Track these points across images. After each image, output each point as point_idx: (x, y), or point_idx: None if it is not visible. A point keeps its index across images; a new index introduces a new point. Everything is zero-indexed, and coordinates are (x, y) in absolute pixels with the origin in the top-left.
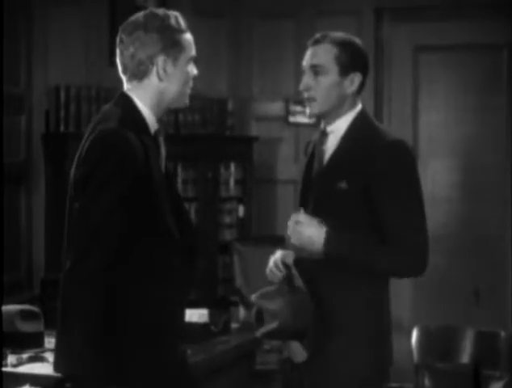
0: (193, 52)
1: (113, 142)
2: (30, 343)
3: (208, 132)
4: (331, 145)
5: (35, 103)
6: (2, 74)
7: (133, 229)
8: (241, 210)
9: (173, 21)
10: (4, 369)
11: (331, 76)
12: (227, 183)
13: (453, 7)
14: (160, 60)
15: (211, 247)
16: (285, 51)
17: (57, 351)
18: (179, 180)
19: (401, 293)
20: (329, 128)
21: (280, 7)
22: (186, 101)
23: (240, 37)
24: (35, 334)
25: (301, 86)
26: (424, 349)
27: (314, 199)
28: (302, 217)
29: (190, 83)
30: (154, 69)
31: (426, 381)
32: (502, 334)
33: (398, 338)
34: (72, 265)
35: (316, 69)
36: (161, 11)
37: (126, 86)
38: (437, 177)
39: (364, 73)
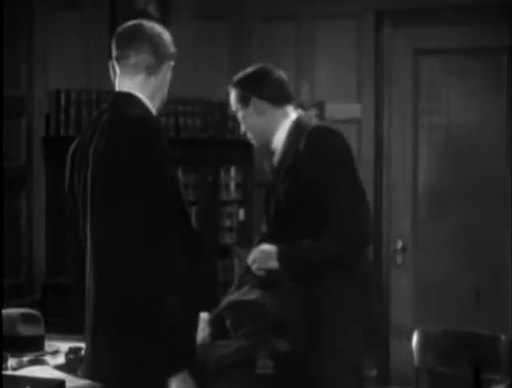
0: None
1: (148, 126)
2: (30, 347)
3: (209, 136)
4: (277, 157)
5: (35, 106)
6: (2, 78)
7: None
8: (241, 214)
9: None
10: (4, 372)
11: (241, 113)
12: (227, 186)
13: (453, 11)
14: (169, 63)
15: (211, 251)
16: (285, 55)
17: (101, 355)
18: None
19: (402, 296)
20: (273, 146)
21: (280, 11)
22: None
23: (240, 41)
24: (35, 337)
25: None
26: (425, 353)
27: (273, 207)
28: (256, 250)
29: None
30: (163, 70)
31: (427, 385)
32: (503, 337)
33: (398, 341)
34: (123, 262)
35: (236, 114)
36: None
37: (125, 84)
38: (437, 180)
39: (261, 94)
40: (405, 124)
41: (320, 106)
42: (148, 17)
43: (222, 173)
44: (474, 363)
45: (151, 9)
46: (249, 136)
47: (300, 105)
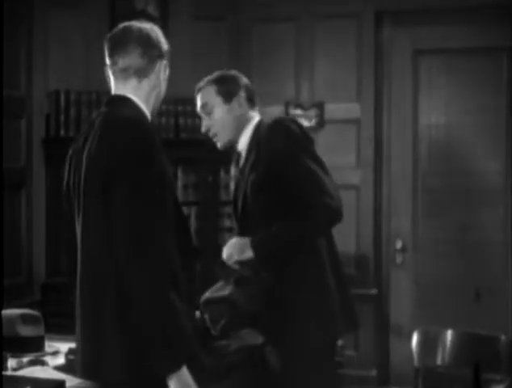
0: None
1: (139, 125)
2: (30, 347)
3: (209, 137)
4: (243, 157)
5: (35, 107)
6: (2, 78)
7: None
8: None
9: (160, 32)
10: (4, 372)
11: (219, 108)
12: (227, 186)
13: (453, 11)
14: (163, 64)
15: (211, 251)
16: (285, 54)
17: (98, 355)
18: (180, 184)
19: (401, 296)
20: (239, 147)
21: (280, 11)
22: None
23: (240, 41)
24: (35, 338)
25: (203, 130)
26: (424, 353)
27: (239, 198)
28: (228, 244)
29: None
30: (155, 70)
31: (427, 385)
32: (503, 337)
33: (398, 341)
34: (131, 266)
35: (205, 110)
36: (150, 24)
37: (119, 87)
38: (437, 180)
39: (243, 91)
40: (405, 124)
41: (319, 106)
42: (148, 17)
43: (222, 173)
44: (474, 363)
45: (151, 9)
46: (216, 135)
47: (299, 105)
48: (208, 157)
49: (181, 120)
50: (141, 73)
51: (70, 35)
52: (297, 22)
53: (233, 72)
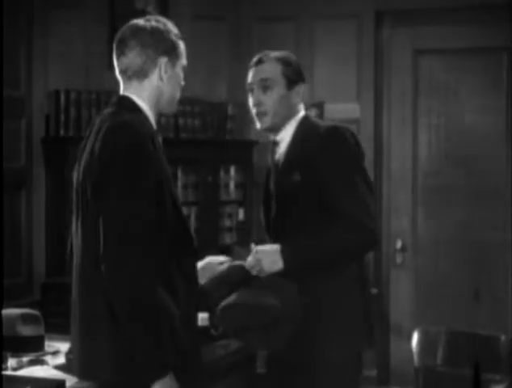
0: (185, 60)
1: (127, 131)
2: (30, 347)
3: (208, 137)
4: (282, 151)
5: (35, 107)
6: (2, 78)
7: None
8: (241, 214)
9: (171, 27)
10: (4, 372)
11: (280, 90)
12: (227, 186)
13: (453, 11)
14: (163, 61)
15: (211, 251)
16: None
17: (96, 356)
18: (179, 184)
19: (402, 296)
20: (278, 137)
21: (280, 11)
22: (176, 107)
23: (239, 41)
24: (35, 337)
25: (251, 103)
26: (424, 352)
27: (275, 199)
28: (257, 250)
29: (180, 91)
30: (156, 69)
31: (427, 385)
32: (503, 337)
33: (398, 341)
34: (114, 266)
35: (265, 84)
36: (160, 17)
37: (123, 87)
38: (437, 180)
39: (304, 82)
40: (405, 124)
41: (319, 106)
42: None
43: (222, 173)
44: (474, 363)
45: (150, 9)
46: (264, 114)
47: None
48: (208, 157)
49: (181, 120)
50: (140, 73)
51: (70, 35)
52: (297, 21)
53: (292, 55)
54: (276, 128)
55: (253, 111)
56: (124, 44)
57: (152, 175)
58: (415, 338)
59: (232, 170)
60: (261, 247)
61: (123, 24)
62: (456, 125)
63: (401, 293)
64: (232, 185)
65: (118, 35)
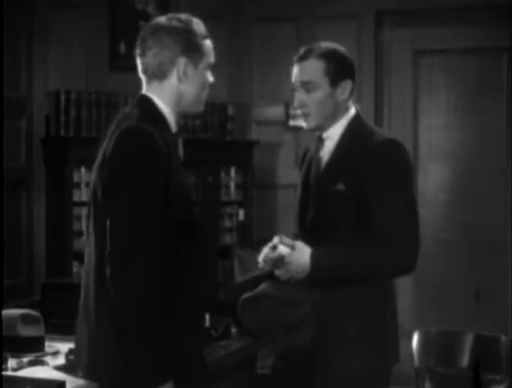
0: (212, 58)
1: (137, 138)
2: (30, 348)
3: (209, 137)
4: (328, 150)
5: (35, 107)
6: (2, 79)
7: (167, 231)
8: (241, 214)
9: (195, 26)
10: (4, 372)
11: (323, 89)
12: (227, 187)
13: (453, 12)
14: (181, 62)
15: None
16: (285, 55)
17: (101, 357)
18: None
19: (402, 296)
20: (325, 135)
21: (280, 11)
22: (202, 107)
23: (239, 41)
24: (35, 338)
25: (295, 104)
26: (425, 353)
27: (314, 202)
28: (283, 249)
29: (207, 89)
30: (175, 70)
31: (427, 385)
32: (503, 338)
33: (399, 341)
34: (118, 267)
35: (307, 86)
36: (184, 16)
37: (145, 87)
38: (437, 180)
39: (353, 79)
40: (405, 125)
41: None
42: (149, 17)
43: (222, 174)
44: (474, 363)
45: (151, 9)
46: (309, 115)
47: None
48: (208, 157)
49: (181, 121)
50: (158, 74)
51: (70, 35)
52: (297, 22)
53: (341, 49)
54: (323, 127)
55: (298, 110)
56: (144, 43)
57: (160, 180)
58: (415, 339)
59: (233, 171)
60: (295, 244)
61: (123, 24)
62: (456, 125)
63: (401, 293)
64: (232, 186)
65: (140, 34)
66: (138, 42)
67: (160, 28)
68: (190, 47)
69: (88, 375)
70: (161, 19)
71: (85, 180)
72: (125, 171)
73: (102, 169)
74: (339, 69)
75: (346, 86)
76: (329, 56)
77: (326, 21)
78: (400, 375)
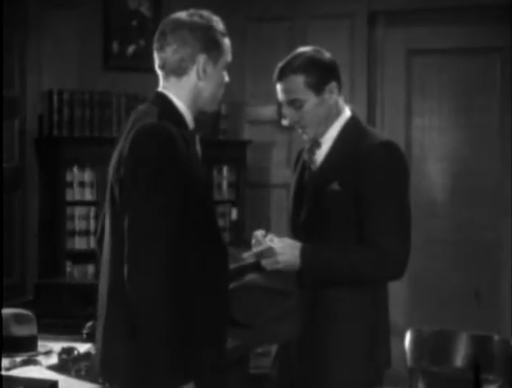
0: (230, 57)
1: (156, 136)
2: (23, 347)
3: (201, 136)
4: (323, 150)
5: (28, 107)
6: (2, 79)
7: (187, 230)
8: (234, 213)
9: (216, 23)
10: None
11: (310, 102)
12: (220, 186)
13: (446, 11)
14: (201, 59)
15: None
16: (278, 54)
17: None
18: None
19: (395, 296)
20: (319, 137)
21: (273, 11)
22: (216, 106)
23: (233, 41)
24: (28, 337)
25: (289, 121)
26: (418, 353)
27: (308, 202)
28: (275, 242)
29: (223, 89)
30: (195, 67)
31: (420, 385)
32: (496, 337)
33: (392, 341)
34: (135, 268)
35: (295, 104)
36: (205, 12)
37: (162, 84)
38: (430, 180)
39: (337, 78)
40: (398, 124)
41: None
42: (142, 17)
43: (215, 173)
44: (474, 363)
45: (144, 9)
46: (305, 128)
47: None
48: (201, 156)
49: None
50: (178, 70)
51: (64, 34)
52: (290, 22)
53: (316, 52)
54: (323, 134)
55: (293, 125)
56: (164, 38)
57: (180, 180)
58: (408, 338)
59: (226, 170)
60: (284, 239)
61: (117, 24)
62: (450, 125)
63: (396, 293)
64: (225, 185)
65: (159, 28)
66: (157, 36)
67: (181, 24)
68: (210, 44)
69: (102, 376)
70: (182, 15)
71: (78, 180)
72: (144, 170)
73: (120, 168)
74: (320, 76)
75: (332, 88)
76: (306, 68)
77: (319, 21)
78: (394, 375)
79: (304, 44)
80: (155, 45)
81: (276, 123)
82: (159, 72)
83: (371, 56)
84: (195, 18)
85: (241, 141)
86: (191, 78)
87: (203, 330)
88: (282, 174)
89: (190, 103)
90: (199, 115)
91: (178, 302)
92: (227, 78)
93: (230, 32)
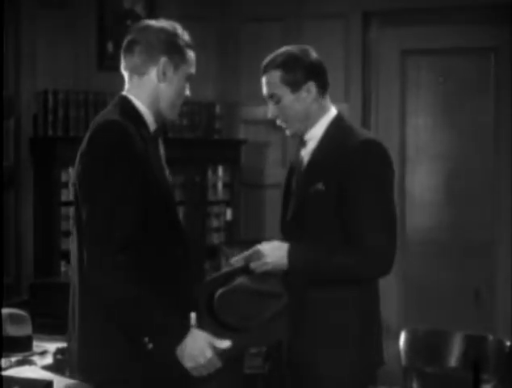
0: (193, 70)
1: (110, 131)
2: (18, 347)
3: (196, 136)
4: (309, 150)
5: (23, 107)
6: (2, 79)
7: (143, 220)
8: (228, 214)
9: (181, 32)
10: None
11: (286, 98)
12: (215, 186)
13: (440, 11)
14: (162, 60)
15: (198, 251)
16: None
17: (87, 355)
18: None
19: (389, 296)
20: (306, 136)
21: (267, 11)
22: (176, 115)
23: (227, 41)
24: (23, 338)
25: (269, 115)
26: (412, 352)
27: (294, 202)
28: (263, 244)
29: (182, 99)
30: (156, 68)
31: (415, 385)
32: (490, 337)
33: (386, 341)
34: (92, 259)
35: (273, 99)
36: (173, 22)
37: (126, 86)
38: (425, 180)
39: (316, 79)
40: (392, 124)
41: None
42: (136, 17)
43: (209, 173)
44: (474, 363)
45: (138, 9)
46: (285, 123)
47: None
48: (196, 157)
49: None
50: (140, 69)
51: (58, 34)
52: (284, 22)
53: (301, 51)
54: (304, 131)
55: (275, 119)
56: (130, 41)
57: (135, 173)
58: (403, 338)
59: (220, 170)
60: (271, 241)
61: (111, 24)
62: (444, 125)
63: (389, 293)
64: (219, 185)
65: (128, 33)
66: (125, 41)
67: (147, 27)
68: (173, 48)
69: (80, 374)
70: (150, 21)
71: (72, 180)
72: (98, 163)
73: (78, 165)
74: (297, 74)
75: (310, 87)
76: (286, 65)
77: (313, 21)
78: (388, 374)
79: (298, 44)
80: (122, 48)
81: (271, 123)
82: (124, 74)
83: (366, 56)
84: (163, 24)
85: (235, 141)
86: (152, 78)
87: (163, 317)
88: (277, 174)
89: (149, 105)
90: (195, 118)
91: (140, 289)
92: (188, 92)
93: (224, 33)
